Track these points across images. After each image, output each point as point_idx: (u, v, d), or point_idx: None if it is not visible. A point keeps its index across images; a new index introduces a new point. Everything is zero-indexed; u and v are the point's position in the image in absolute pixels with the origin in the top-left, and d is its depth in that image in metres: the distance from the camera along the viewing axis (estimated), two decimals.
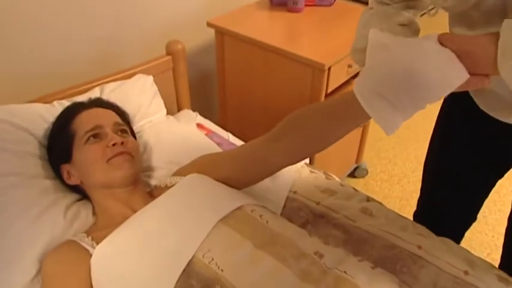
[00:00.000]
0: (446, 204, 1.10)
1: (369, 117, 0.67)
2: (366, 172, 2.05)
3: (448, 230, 1.02)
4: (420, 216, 1.20)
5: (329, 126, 0.75)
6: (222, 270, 0.71)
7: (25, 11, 1.12)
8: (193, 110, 1.42)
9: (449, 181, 1.07)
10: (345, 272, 0.74)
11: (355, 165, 1.99)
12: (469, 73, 0.56)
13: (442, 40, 0.58)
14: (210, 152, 1.01)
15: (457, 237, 1.18)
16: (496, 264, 0.95)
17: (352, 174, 2.03)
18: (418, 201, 1.21)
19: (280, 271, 0.71)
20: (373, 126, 2.32)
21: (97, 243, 0.79)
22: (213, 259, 0.72)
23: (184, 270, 0.71)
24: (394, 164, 2.17)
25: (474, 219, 1.15)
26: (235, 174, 0.89)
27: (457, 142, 1.01)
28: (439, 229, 0.99)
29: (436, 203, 1.14)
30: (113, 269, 0.74)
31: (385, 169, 2.13)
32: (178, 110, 1.42)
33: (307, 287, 0.70)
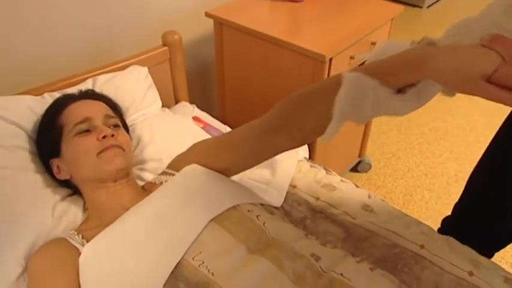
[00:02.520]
0: (493, 218, 1.03)
1: None
2: (369, 167, 2.00)
3: (483, 244, 0.97)
4: (455, 223, 1.13)
5: (327, 107, 0.68)
6: (212, 274, 0.67)
7: (17, 2, 1.08)
8: (192, 103, 1.39)
9: (504, 194, 0.98)
10: (341, 274, 0.71)
11: (358, 160, 1.95)
12: None
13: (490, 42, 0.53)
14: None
15: (490, 253, 1.11)
16: (502, 265, 0.90)
17: (355, 169, 1.99)
18: (455, 207, 1.13)
19: (273, 275, 0.68)
20: (377, 120, 2.28)
21: (87, 242, 0.76)
22: (203, 262, 0.68)
23: (172, 272, 0.67)
24: (398, 158, 2.12)
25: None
26: (234, 164, 0.86)
27: None
28: (472, 241, 0.93)
29: (481, 215, 1.05)
30: (101, 268, 0.71)
31: (388, 164, 2.09)
32: (176, 103, 1.39)
33: None
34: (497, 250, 1.10)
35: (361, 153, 1.93)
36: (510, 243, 1.07)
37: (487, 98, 0.54)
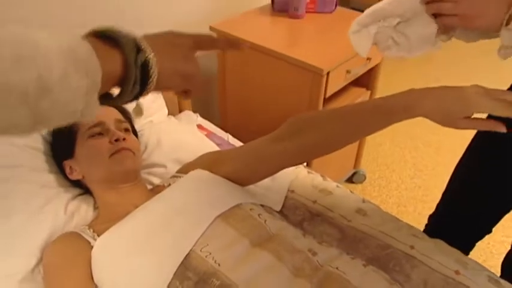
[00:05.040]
0: (469, 213, 1.11)
1: (372, 131, 0.79)
2: (363, 178, 2.07)
3: (462, 237, 1.06)
4: (437, 218, 1.22)
5: (337, 132, 0.81)
6: (218, 265, 0.73)
7: (29, 14, 1.16)
8: (194, 112, 1.45)
9: (478, 193, 1.07)
10: (337, 268, 0.76)
11: (353, 171, 2.02)
12: None
13: None
14: (208, 149, 1.04)
15: (469, 246, 1.21)
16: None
17: (350, 180, 2.05)
18: (438, 205, 1.22)
19: (275, 267, 0.73)
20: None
21: (98, 236, 0.81)
22: (210, 253, 0.74)
23: (182, 262, 0.73)
24: (392, 171, 2.19)
25: (490, 231, 1.16)
26: (238, 171, 0.92)
27: (495, 157, 1.00)
28: (453, 235, 1.02)
29: (458, 210, 1.15)
30: (114, 259, 0.76)
31: (383, 175, 2.15)
32: (180, 111, 1.45)
33: (299, 282, 0.72)
34: (477, 241, 1.21)
35: (356, 165, 1.99)
36: (487, 234, 1.17)
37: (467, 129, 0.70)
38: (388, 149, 2.33)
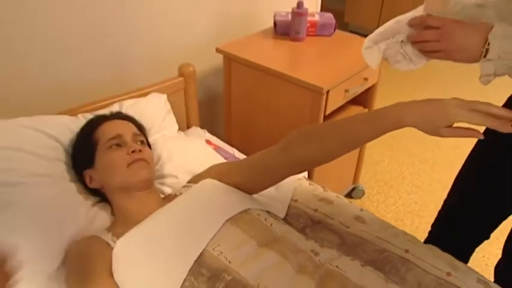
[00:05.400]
0: (468, 220, 1.19)
1: (366, 141, 0.88)
2: (362, 193, 2.14)
3: (462, 242, 1.16)
4: (438, 225, 1.30)
5: (334, 142, 0.89)
6: (229, 262, 0.80)
7: (56, 39, 1.26)
8: (201, 128, 1.54)
9: (476, 200, 1.15)
10: (336, 266, 0.84)
11: (352, 186, 2.09)
12: None
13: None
14: (216, 162, 1.12)
15: (468, 251, 1.28)
16: (475, 268, 1.03)
17: (349, 195, 2.12)
18: (439, 212, 1.30)
19: (280, 264, 0.81)
20: (369, 151, 2.43)
21: (117, 238, 0.89)
22: (221, 252, 0.81)
23: (196, 260, 0.80)
24: (390, 187, 2.26)
25: (488, 237, 1.23)
26: (246, 180, 1.00)
27: (492, 167, 1.08)
28: (453, 240, 1.11)
29: (457, 217, 1.22)
30: (134, 258, 0.83)
31: (381, 191, 2.22)
32: (188, 127, 1.54)
33: (302, 278, 0.79)
34: (476, 246, 1.27)
35: (355, 180, 2.07)
36: (485, 239, 1.24)
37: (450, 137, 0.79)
38: (386, 166, 2.41)
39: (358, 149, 1.93)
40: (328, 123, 0.93)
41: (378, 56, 0.94)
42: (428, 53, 0.84)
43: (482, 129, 0.79)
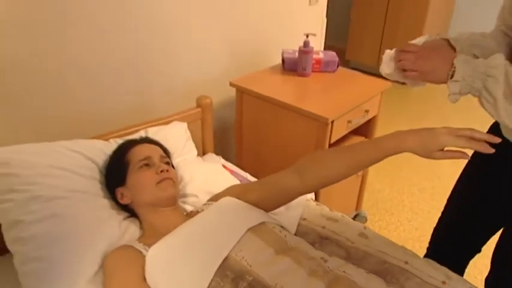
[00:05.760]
0: (461, 235, 1.32)
1: (370, 164, 1.02)
2: (365, 219, 2.25)
3: (456, 255, 1.31)
4: (436, 240, 1.43)
5: (340, 165, 1.04)
6: (250, 266, 0.91)
7: (88, 75, 1.42)
8: (216, 154, 1.67)
9: (469, 217, 1.28)
10: (344, 271, 0.95)
11: (355, 213, 2.20)
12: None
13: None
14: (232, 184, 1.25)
15: (463, 263, 1.41)
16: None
17: None
18: (435, 229, 1.43)
19: (294, 268, 0.92)
20: (371, 180, 2.56)
21: (149, 247, 1.00)
22: (243, 257, 0.93)
23: (221, 264, 0.91)
24: (391, 214, 2.37)
25: (479, 250, 1.35)
26: (262, 200, 1.12)
27: (483, 183, 1.22)
28: (448, 253, 1.26)
29: (452, 232, 1.36)
30: (166, 263, 0.94)
31: (382, 218, 2.33)
32: (204, 153, 1.67)
33: (314, 280, 0.91)
34: (470, 258, 1.39)
35: (357, 207, 2.18)
36: (477, 253, 1.36)
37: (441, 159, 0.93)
38: (387, 194, 2.53)
39: (360, 178, 2.05)
40: (336, 148, 1.08)
41: (390, 68, 1.08)
42: (407, 71, 1.01)
43: (470, 151, 0.93)
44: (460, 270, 1.39)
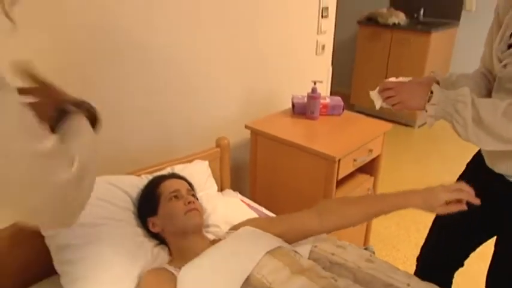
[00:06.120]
0: (445, 252, 1.50)
1: (380, 214, 1.24)
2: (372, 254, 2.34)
3: (442, 269, 1.49)
4: (423, 258, 1.60)
5: (353, 214, 1.26)
6: (270, 283, 1.05)
7: (119, 115, 1.61)
8: (234, 190, 1.82)
9: (452, 232, 1.46)
10: None
11: (363, 247, 2.29)
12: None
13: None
14: (250, 216, 1.40)
15: (448, 276, 1.57)
16: None
17: None
18: (422, 247, 1.61)
19: (310, 285, 1.05)
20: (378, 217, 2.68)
21: (179, 269, 1.14)
22: (263, 276, 1.06)
23: (244, 282, 1.05)
24: (398, 250, 2.47)
25: (462, 264, 1.51)
26: (282, 233, 1.27)
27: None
28: (434, 269, 1.42)
29: (438, 248, 1.53)
30: (196, 281, 1.08)
31: (389, 253, 2.43)
32: (222, 189, 1.82)
33: None
34: (453, 272, 1.56)
35: (365, 242, 2.28)
36: (460, 267, 1.53)
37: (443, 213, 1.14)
38: (394, 231, 2.63)
39: (365, 230, 2.18)
40: (353, 199, 1.30)
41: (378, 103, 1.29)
42: (392, 105, 1.22)
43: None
44: (447, 284, 1.55)
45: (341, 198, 1.34)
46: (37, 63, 0.87)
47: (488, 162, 1.25)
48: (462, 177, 1.41)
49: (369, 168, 2.06)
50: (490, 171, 1.23)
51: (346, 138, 1.88)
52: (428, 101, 1.11)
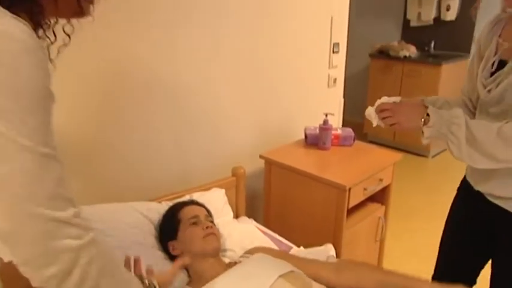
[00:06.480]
0: (456, 269, 1.55)
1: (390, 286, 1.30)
2: None
3: None
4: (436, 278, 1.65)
5: (368, 279, 1.31)
6: None
7: (140, 148, 1.73)
8: (249, 217, 1.91)
9: (458, 253, 1.53)
10: None
11: None
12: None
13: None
14: (264, 242, 1.48)
15: None
16: None
17: None
18: (435, 268, 1.68)
19: None
20: (390, 245, 2.71)
21: None
22: None
23: None
24: None
25: (475, 282, 1.55)
26: None
27: (464, 223, 1.48)
28: None
29: (449, 269, 1.59)
30: None
31: None
32: (237, 216, 1.91)
33: None
34: None
35: None
36: (473, 284, 1.57)
37: None
38: (406, 260, 2.66)
39: (378, 244, 2.22)
40: (373, 266, 1.40)
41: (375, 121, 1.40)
42: (389, 125, 1.32)
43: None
44: None
45: (363, 263, 1.42)
46: (73, 102, 0.99)
47: (472, 182, 1.35)
48: (454, 203, 1.51)
49: (380, 197, 2.12)
50: (476, 194, 1.34)
51: (356, 167, 1.95)
52: (424, 123, 1.20)
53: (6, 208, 0.57)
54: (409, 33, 4.63)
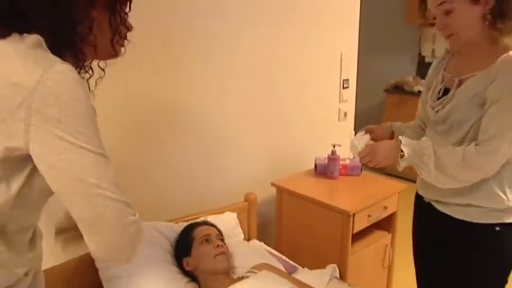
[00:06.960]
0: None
1: None
2: None
3: None
4: None
5: None
6: None
7: (163, 175, 1.91)
8: (260, 240, 2.04)
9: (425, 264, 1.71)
10: None
11: None
12: None
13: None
14: (271, 261, 1.61)
15: None
16: None
17: None
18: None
19: None
20: (399, 272, 2.75)
21: None
22: None
23: None
24: None
25: None
26: None
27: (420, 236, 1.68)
28: None
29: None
30: None
31: None
32: (248, 240, 2.04)
33: None
34: None
35: None
36: None
37: None
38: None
39: (387, 270, 2.28)
40: None
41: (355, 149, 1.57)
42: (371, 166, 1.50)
43: None
44: None
45: None
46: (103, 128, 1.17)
47: (421, 192, 1.57)
48: (414, 216, 1.70)
49: (387, 225, 2.21)
50: (427, 206, 1.53)
51: (361, 195, 2.06)
52: (400, 156, 1.38)
53: (84, 199, 0.76)
54: (424, 68, 4.74)
